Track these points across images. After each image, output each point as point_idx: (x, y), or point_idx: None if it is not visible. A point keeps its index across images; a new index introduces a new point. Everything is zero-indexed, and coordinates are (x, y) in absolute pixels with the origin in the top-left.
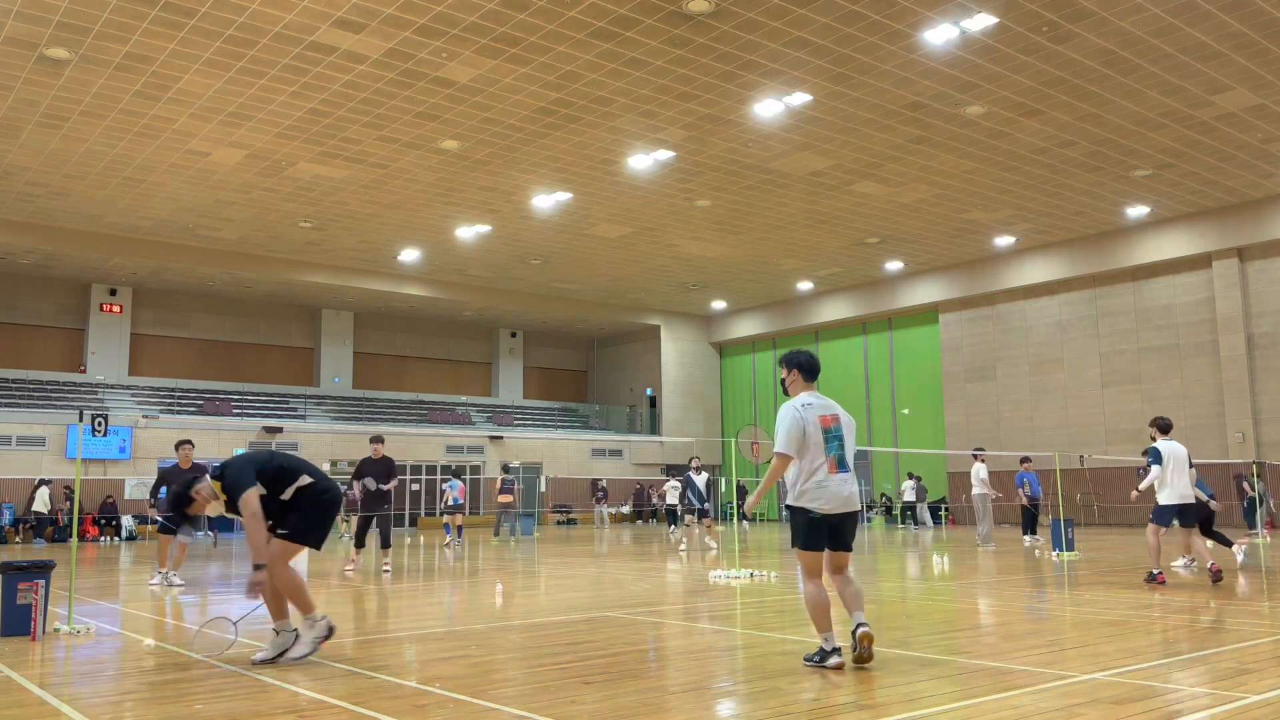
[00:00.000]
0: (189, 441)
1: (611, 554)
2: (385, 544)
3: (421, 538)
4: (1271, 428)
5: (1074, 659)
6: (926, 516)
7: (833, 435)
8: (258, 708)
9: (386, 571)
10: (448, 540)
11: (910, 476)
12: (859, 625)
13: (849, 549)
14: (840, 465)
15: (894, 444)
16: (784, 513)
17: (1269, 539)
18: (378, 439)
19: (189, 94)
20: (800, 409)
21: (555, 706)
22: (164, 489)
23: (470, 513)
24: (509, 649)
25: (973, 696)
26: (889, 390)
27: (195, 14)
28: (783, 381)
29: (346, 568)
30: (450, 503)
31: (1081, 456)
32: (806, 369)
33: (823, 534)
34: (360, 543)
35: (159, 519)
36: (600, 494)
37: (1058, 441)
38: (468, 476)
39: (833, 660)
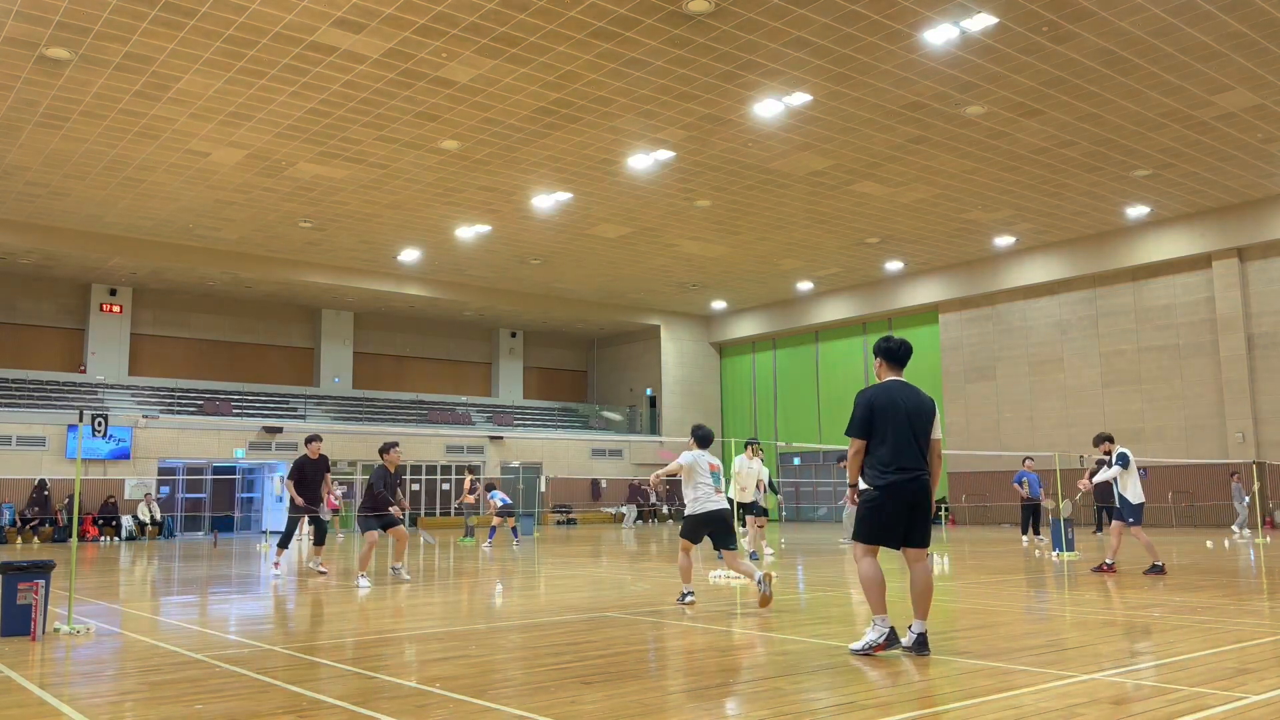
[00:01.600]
0: (318, 437)
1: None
2: (319, 541)
3: (422, 538)
4: (1271, 428)
5: (1074, 659)
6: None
7: (715, 475)
8: (258, 708)
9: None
10: (488, 541)
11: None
12: (759, 584)
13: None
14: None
15: None
16: (783, 513)
17: (1268, 538)
18: (314, 438)
19: (189, 94)
20: (697, 456)
21: (555, 706)
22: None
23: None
24: (509, 649)
25: (973, 696)
26: None
27: (195, 14)
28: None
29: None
30: (500, 504)
31: (1081, 456)
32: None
33: (703, 530)
34: (286, 544)
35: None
36: (632, 492)
37: (1058, 441)
38: (467, 476)
39: (689, 598)
